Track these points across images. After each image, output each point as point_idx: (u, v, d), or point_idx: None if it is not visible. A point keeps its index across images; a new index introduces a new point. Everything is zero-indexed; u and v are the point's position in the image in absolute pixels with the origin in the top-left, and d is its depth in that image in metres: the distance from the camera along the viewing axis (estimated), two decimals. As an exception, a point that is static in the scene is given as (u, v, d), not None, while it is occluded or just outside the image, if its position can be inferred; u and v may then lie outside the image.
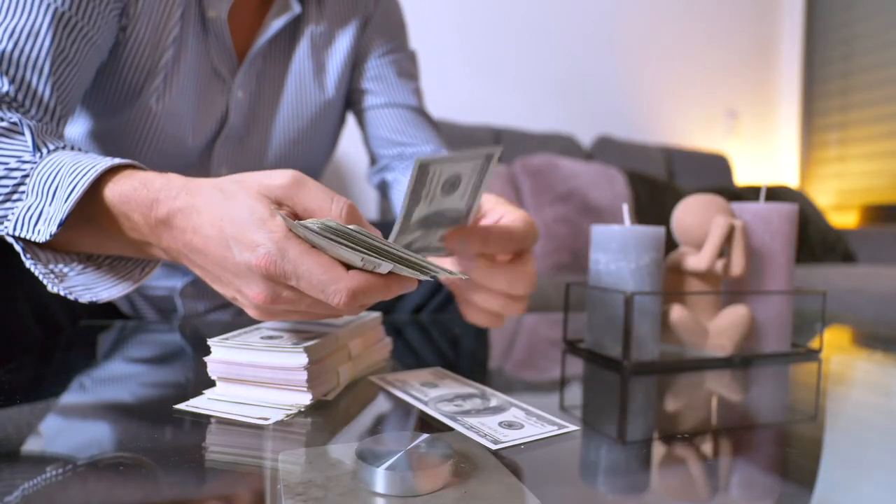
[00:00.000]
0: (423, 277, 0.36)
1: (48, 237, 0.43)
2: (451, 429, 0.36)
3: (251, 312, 0.39)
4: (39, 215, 0.44)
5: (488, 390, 0.44)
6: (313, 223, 0.34)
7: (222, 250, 0.37)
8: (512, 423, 0.37)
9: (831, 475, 0.33)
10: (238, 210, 0.36)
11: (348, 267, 0.36)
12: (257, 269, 0.35)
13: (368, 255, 0.34)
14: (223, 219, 0.37)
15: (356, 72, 0.81)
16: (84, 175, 0.42)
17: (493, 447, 0.33)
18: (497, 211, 0.51)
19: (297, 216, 0.38)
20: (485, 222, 0.51)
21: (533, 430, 0.36)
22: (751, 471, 0.34)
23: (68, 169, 0.43)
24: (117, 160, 0.44)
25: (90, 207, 0.44)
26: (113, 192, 0.43)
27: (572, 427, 0.37)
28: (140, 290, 0.79)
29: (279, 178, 0.38)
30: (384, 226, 0.90)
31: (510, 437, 0.34)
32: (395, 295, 0.38)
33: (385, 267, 0.35)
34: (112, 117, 0.67)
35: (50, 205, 0.44)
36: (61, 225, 0.42)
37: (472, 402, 0.41)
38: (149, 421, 0.39)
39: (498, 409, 0.40)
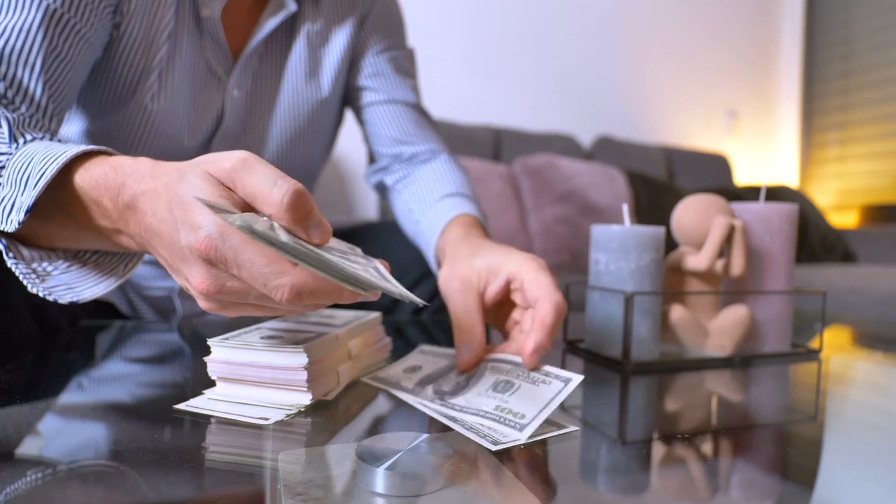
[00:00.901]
0: (351, 289, 0.33)
1: (17, 226, 0.42)
2: (450, 429, 0.36)
3: (200, 303, 0.37)
4: (13, 205, 0.43)
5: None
6: (235, 218, 0.31)
7: (172, 233, 0.35)
8: (509, 382, 0.39)
9: (831, 475, 0.33)
10: (187, 191, 0.34)
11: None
12: (197, 253, 0.33)
13: (289, 256, 0.31)
14: (173, 200, 0.35)
15: (354, 69, 0.81)
16: (53, 161, 0.42)
17: (493, 448, 0.33)
18: (526, 293, 0.48)
19: (244, 202, 0.35)
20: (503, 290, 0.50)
21: (531, 389, 0.37)
22: (751, 471, 0.34)
23: (40, 157, 0.43)
24: (89, 146, 0.43)
25: (62, 195, 0.43)
26: (83, 177, 0.42)
27: (563, 372, 0.39)
28: (138, 291, 0.79)
29: (226, 161, 0.35)
30: (383, 226, 0.90)
31: (509, 438, 0.34)
32: (350, 300, 0.34)
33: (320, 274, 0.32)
34: (108, 116, 0.67)
35: (22, 194, 0.43)
36: (28, 212, 0.42)
37: (448, 381, 0.43)
38: (149, 421, 0.38)
39: (495, 379, 0.41)
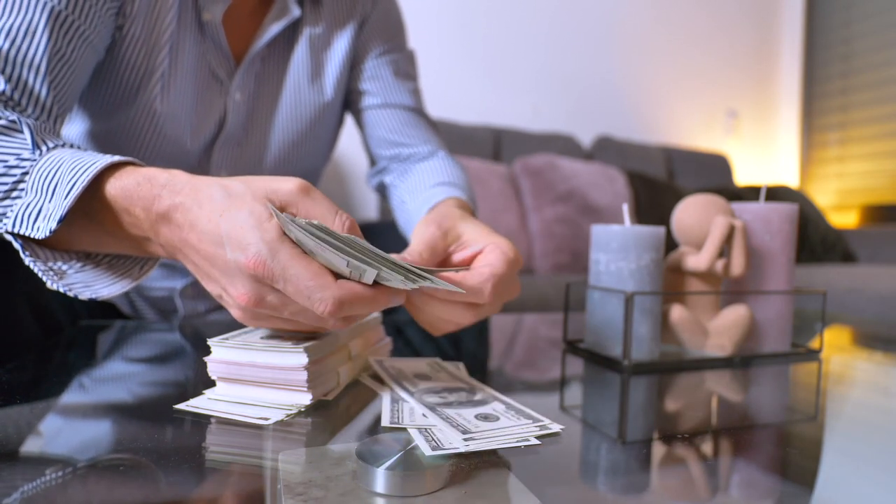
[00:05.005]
0: (411, 286, 0.36)
1: (47, 234, 0.43)
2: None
3: (234, 313, 0.39)
4: (39, 212, 0.44)
5: (479, 385, 0.44)
6: (302, 220, 0.35)
7: (214, 247, 0.37)
8: (488, 415, 0.37)
9: (831, 475, 0.33)
10: (238, 210, 0.37)
11: (337, 277, 0.36)
12: (246, 269, 0.35)
13: (354, 258, 0.34)
14: (221, 215, 0.37)
15: (354, 72, 0.81)
16: (84, 172, 0.42)
17: (464, 437, 0.33)
18: (476, 249, 0.47)
19: None
20: (458, 257, 0.49)
21: (507, 423, 0.36)
22: (751, 471, 0.34)
23: (68, 166, 0.43)
24: (118, 157, 0.44)
25: (90, 204, 0.44)
26: (115, 187, 0.42)
27: (549, 423, 0.36)
28: (140, 291, 0.79)
29: (287, 184, 0.38)
30: (383, 227, 0.90)
31: (482, 428, 0.34)
32: (382, 308, 0.38)
33: (370, 274, 0.35)
34: (110, 118, 0.67)
35: (49, 201, 0.43)
36: (61, 221, 0.42)
37: (458, 395, 0.42)
38: (149, 421, 0.39)
39: (480, 403, 0.40)
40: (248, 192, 0.38)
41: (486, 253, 0.46)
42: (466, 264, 0.48)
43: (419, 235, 0.48)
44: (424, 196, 0.71)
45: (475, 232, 0.49)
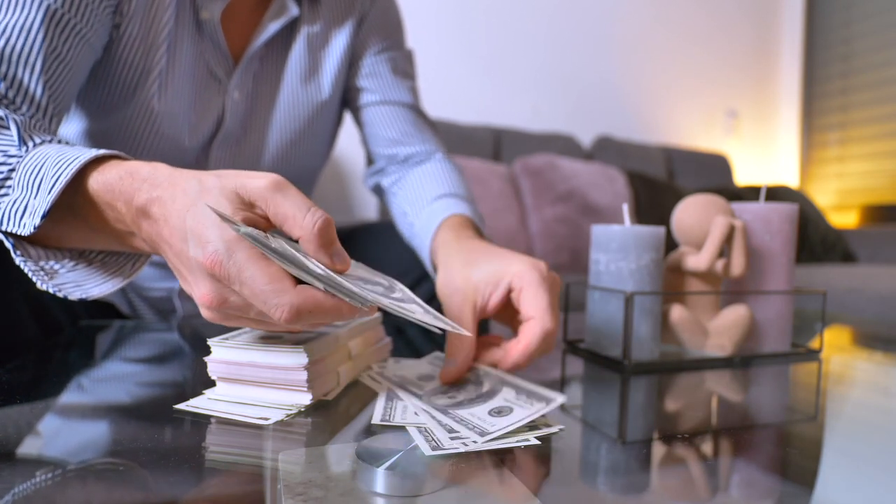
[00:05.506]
0: (359, 305, 0.35)
1: (32, 230, 0.42)
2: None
3: (202, 312, 0.38)
4: (25, 209, 0.43)
5: (482, 370, 0.45)
6: (245, 229, 0.33)
7: (181, 243, 0.36)
8: (502, 409, 0.37)
9: (831, 475, 0.33)
10: (204, 205, 0.35)
11: (299, 282, 0.34)
12: (204, 268, 0.34)
13: (299, 270, 0.33)
14: (189, 210, 0.36)
15: (352, 69, 0.81)
16: (68, 166, 0.42)
17: (482, 439, 0.33)
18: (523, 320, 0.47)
19: (269, 221, 0.37)
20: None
21: (521, 412, 0.36)
22: (751, 471, 0.34)
23: (53, 161, 0.43)
24: (102, 151, 0.43)
25: (75, 199, 0.43)
26: (98, 181, 0.42)
27: (557, 394, 0.39)
28: (139, 291, 0.79)
29: (259, 180, 0.37)
30: (383, 226, 0.90)
31: (497, 426, 0.34)
32: (347, 318, 0.36)
33: (318, 286, 0.34)
34: (108, 117, 0.67)
35: (35, 197, 0.43)
36: (44, 217, 0.42)
37: (466, 391, 0.42)
38: (149, 421, 0.38)
39: (490, 395, 0.40)
40: (217, 186, 0.36)
41: (524, 332, 0.46)
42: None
43: (455, 319, 0.48)
44: (428, 212, 0.70)
45: (522, 304, 0.48)
